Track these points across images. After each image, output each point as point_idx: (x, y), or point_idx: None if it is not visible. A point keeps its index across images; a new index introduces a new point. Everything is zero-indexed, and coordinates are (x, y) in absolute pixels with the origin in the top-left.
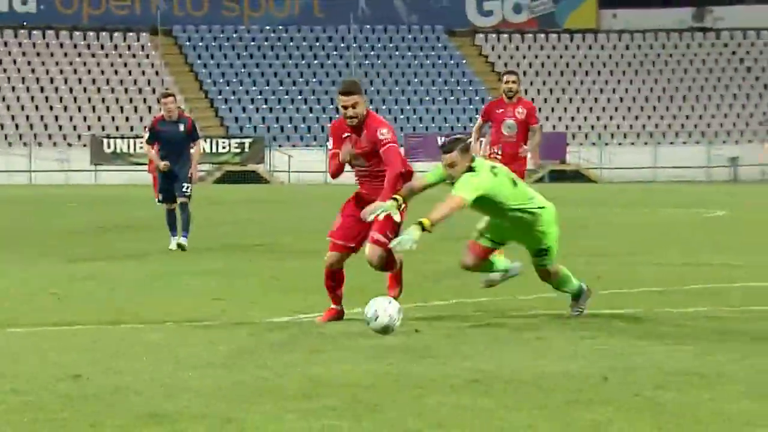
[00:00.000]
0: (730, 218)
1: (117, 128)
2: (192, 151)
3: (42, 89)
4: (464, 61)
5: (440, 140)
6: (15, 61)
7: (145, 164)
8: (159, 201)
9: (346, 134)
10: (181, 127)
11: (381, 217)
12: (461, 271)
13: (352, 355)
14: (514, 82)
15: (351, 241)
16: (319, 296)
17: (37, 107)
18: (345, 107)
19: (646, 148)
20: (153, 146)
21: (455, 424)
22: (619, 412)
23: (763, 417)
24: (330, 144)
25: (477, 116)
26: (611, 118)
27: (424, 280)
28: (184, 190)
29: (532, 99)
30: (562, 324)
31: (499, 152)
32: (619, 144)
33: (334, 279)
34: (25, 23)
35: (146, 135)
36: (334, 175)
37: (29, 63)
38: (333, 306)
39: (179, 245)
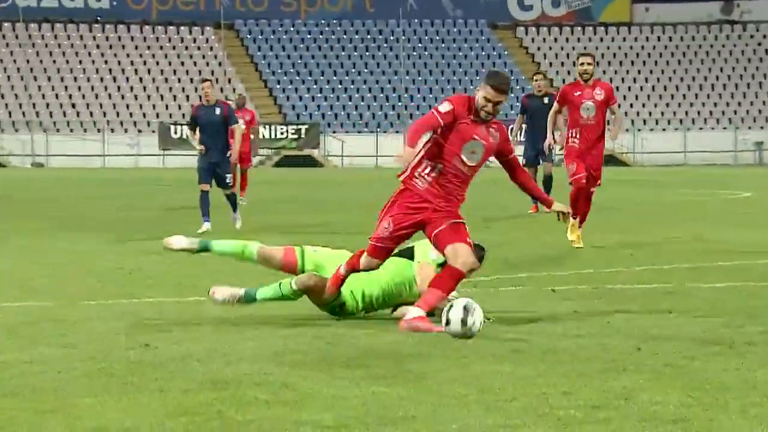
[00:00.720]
0: (755, 199)
1: (183, 116)
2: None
3: (114, 80)
4: (506, 53)
5: None
6: (90, 54)
7: None
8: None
9: (464, 121)
10: (218, 111)
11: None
12: (497, 249)
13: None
14: (589, 63)
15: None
16: None
17: (109, 96)
18: (493, 103)
19: (677, 134)
20: (194, 131)
21: (498, 389)
22: (650, 380)
23: None
24: (442, 115)
25: (517, 104)
26: (644, 105)
27: None
28: (227, 182)
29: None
30: (597, 298)
31: (578, 136)
32: (651, 130)
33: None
34: (99, 18)
35: (188, 120)
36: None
37: (102, 55)
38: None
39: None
